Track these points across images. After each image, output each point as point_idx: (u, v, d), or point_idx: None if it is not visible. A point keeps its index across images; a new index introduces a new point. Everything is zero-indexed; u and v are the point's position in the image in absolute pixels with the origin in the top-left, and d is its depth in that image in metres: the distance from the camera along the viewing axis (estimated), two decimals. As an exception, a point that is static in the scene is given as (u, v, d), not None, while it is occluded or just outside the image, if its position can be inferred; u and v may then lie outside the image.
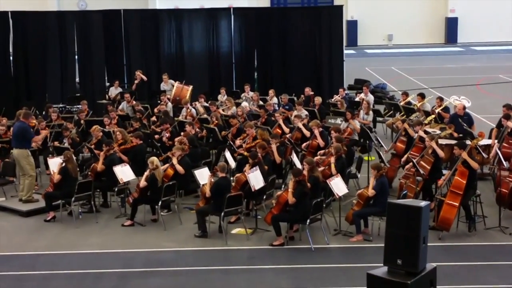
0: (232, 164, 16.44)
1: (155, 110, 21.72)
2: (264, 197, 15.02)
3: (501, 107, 18.13)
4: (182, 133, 17.96)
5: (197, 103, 21.97)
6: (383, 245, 9.96)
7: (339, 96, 22.91)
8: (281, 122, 19.00)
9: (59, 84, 26.91)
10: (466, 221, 14.13)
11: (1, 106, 23.24)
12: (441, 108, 20.12)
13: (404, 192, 14.16)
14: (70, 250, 13.71)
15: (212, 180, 14.25)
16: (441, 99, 20.62)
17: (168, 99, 22.63)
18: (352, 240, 13.77)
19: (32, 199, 16.08)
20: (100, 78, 26.97)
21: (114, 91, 24.57)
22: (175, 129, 19.03)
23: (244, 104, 21.82)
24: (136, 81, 24.85)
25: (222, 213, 13.83)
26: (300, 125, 18.35)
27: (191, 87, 23.90)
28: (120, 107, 22.42)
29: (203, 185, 14.55)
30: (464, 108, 18.74)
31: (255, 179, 14.29)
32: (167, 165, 15.67)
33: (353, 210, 13.95)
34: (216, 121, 19.37)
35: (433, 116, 19.63)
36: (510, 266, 12.70)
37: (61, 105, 24.71)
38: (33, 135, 16.61)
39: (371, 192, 13.67)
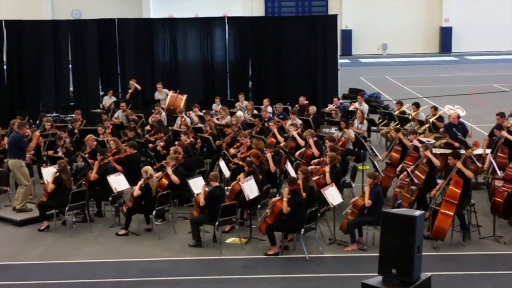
0: (227, 173, 16.42)
1: (150, 119, 21.68)
2: (259, 206, 15.00)
3: (495, 116, 18.15)
4: (176, 142, 17.95)
5: (191, 112, 21.95)
6: (377, 254, 9.98)
7: (333, 105, 22.90)
8: (275, 131, 18.99)
9: (53, 93, 26.86)
10: (460, 231, 14.12)
11: (-5, 115, 23.23)
12: (435, 117, 20.12)
13: (398, 202, 14.14)
14: (64, 260, 13.66)
15: (206, 189, 14.22)
16: (435, 109, 20.62)
17: (162, 108, 22.61)
18: (347, 250, 13.74)
19: (26, 209, 16.02)
20: (94, 87, 26.95)
21: (108, 100, 24.55)
22: (169, 138, 19.00)
23: (239, 113, 21.80)
24: (130, 90, 24.82)
25: (217, 223, 13.80)
26: (295, 134, 18.34)
27: (185, 96, 23.90)
28: (115, 115, 22.42)
29: (197, 194, 14.52)
30: (459, 117, 18.77)
31: (250, 188, 14.27)
32: (160, 173, 15.65)
33: (348, 220, 13.94)
34: (210, 130, 19.37)
35: (427, 125, 19.65)
36: (505, 275, 12.71)
37: (55, 114, 24.66)
38: (27, 145, 16.56)
39: (367, 202, 13.65)
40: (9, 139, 16.75)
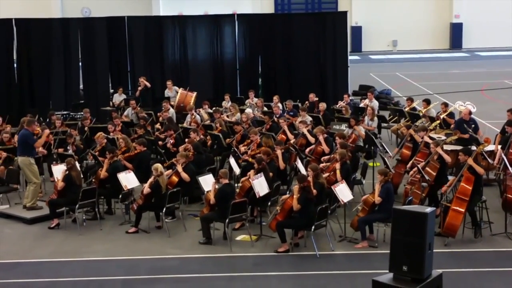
0: (237, 170, 16.40)
1: (159, 116, 21.64)
2: (269, 203, 14.97)
3: (505, 112, 18.08)
4: (186, 140, 17.95)
5: (201, 109, 21.96)
6: (388, 251, 9.93)
7: (343, 102, 22.87)
8: (285, 128, 18.95)
9: (63, 91, 26.92)
10: (472, 227, 14.06)
11: (5, 113, 23.21)
12: (446, 114, 20.05)
13: (409, 198, 14.10)
14: (74, 258, 13.67)
15: (216, 186, 14.20)
16: (445, 105, 20.57)
17: (172, 105, 22.60)
18: (358, 247, 13.70)
19: (36, 206, 16.05)
20: (104, 85, 26.97)
21: (118, 97, 24.58)
22: (179, 135, 19.00)
23: (248, 110, 21.78)
24: (139, 88, 24.83)
25: (227, 220, 13.77)
26: (305, 131, 18.29)
27: (195, 93, 23.87)
28: (125, 113, 22.44)
29: (207, 191, 14.50)
30: (470, 113, 18.68)
31: (260, 185, 14.25)
32: (170, 171, 15.63)
33: (358, 217, 13.89)
34: (220, 128, 19.35)
35: (438, 121, 19.58)
36: (517, 272, 12.65)
37: (65, 112, 24.69)
38: (35, 141, 16.58)
39: (377, 199, 13.61)
40: (18, 137, 16.78)
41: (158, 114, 21.80)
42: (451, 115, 20.23)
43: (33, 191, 16.07)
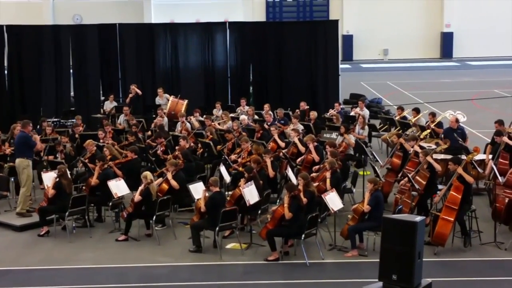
0: (227, 178, 16.39)
1: (153, 124, 21.63)
2: (259, 211, 14.97)
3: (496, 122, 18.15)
4: (176, 148, 17.93)
5: (192, 117, 21.94)
6: (378, 260, 9.94)
7: (334, 111, 22.88)
8: (276, 137, 18.94)
9: (53, 98, 26.85)
10: (461, 236, 14.09)
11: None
12: (434, 124, 19.99)
13: (399, 207, 14.11)
14: (64, 265, 13.64)
15: (207, 194, 14.19)
16: (433, 115, 20.45)
17: (164, 113, 22.58)
18: (347, 255, 13.71)
19: (25, 214, 15.98)
20: (95, 92, 26.92)
21: (109, 105, 24.53)
22: (170, 143, 18.99)
23: (242, 117, 21.75)
24: (130, 95, 24.79)
25: (217, 228, 13.77)
26: (296, 140, 18.25)
27: (186, 101, 23.85)
28: (119, 120, 22.45)
29: (197, 199, 14.49)
30: (457, 121, 18.69)
31: (250, 193, 14.25)
32: (160, 179, 15.62)
33: (348, 225, 13.91)
34: (211, 136, 19.34)
35: (428, 131, 19.60)
36: (506, 281, 12.68)
37: (55, 119, 24.62)
38: (35, 143, 16.54)
39: (366, 207, 13.63)
40: (16, 139, 16.75)
41: (154, 122, 21.78)
42: (439, 125, 20.24)
43: (22, 195, 15.96)
